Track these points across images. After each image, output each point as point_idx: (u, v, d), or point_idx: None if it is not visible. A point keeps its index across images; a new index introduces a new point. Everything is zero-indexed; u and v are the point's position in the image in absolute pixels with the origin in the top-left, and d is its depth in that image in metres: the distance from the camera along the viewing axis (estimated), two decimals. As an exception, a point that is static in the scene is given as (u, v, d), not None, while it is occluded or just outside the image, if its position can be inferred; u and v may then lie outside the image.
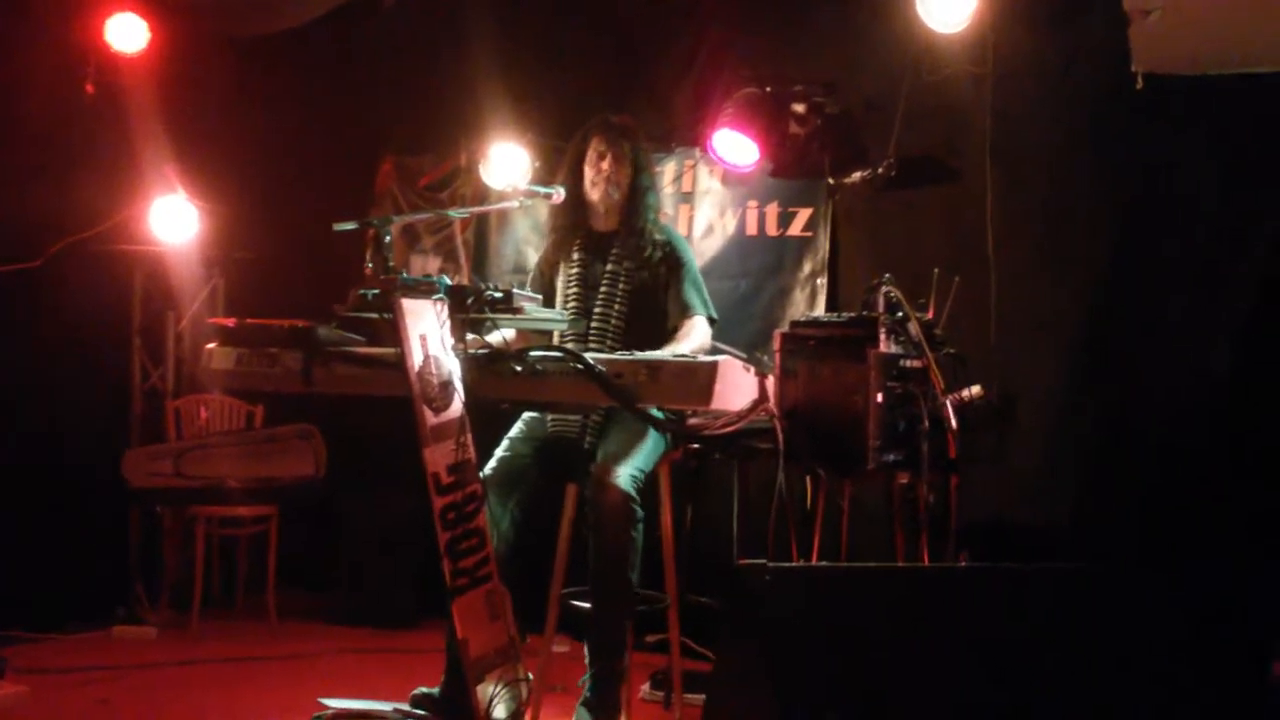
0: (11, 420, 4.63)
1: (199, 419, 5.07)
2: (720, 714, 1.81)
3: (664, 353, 3.19)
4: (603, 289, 3.52)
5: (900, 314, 3.09)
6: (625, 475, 3.22)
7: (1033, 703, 1.71)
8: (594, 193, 3.56)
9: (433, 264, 5.27)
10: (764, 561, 1.77)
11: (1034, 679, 1.69)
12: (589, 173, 3.56)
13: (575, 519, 3.54)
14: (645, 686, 4.07)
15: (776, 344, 3.07)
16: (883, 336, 2.99)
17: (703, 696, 3.99)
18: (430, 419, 2.89)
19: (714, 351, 3.37)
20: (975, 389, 3.34)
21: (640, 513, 3.25)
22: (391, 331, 2.93)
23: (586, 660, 3.28)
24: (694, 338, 3.46)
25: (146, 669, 4.22)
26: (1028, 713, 1.68)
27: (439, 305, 2.89)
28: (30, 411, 4.70)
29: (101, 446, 4.72)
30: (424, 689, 3.44)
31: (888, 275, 3.06)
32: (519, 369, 2.91)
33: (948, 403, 3.08)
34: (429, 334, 2.88)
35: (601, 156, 3.53)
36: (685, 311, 3.52)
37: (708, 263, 4.68)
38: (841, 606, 1.80)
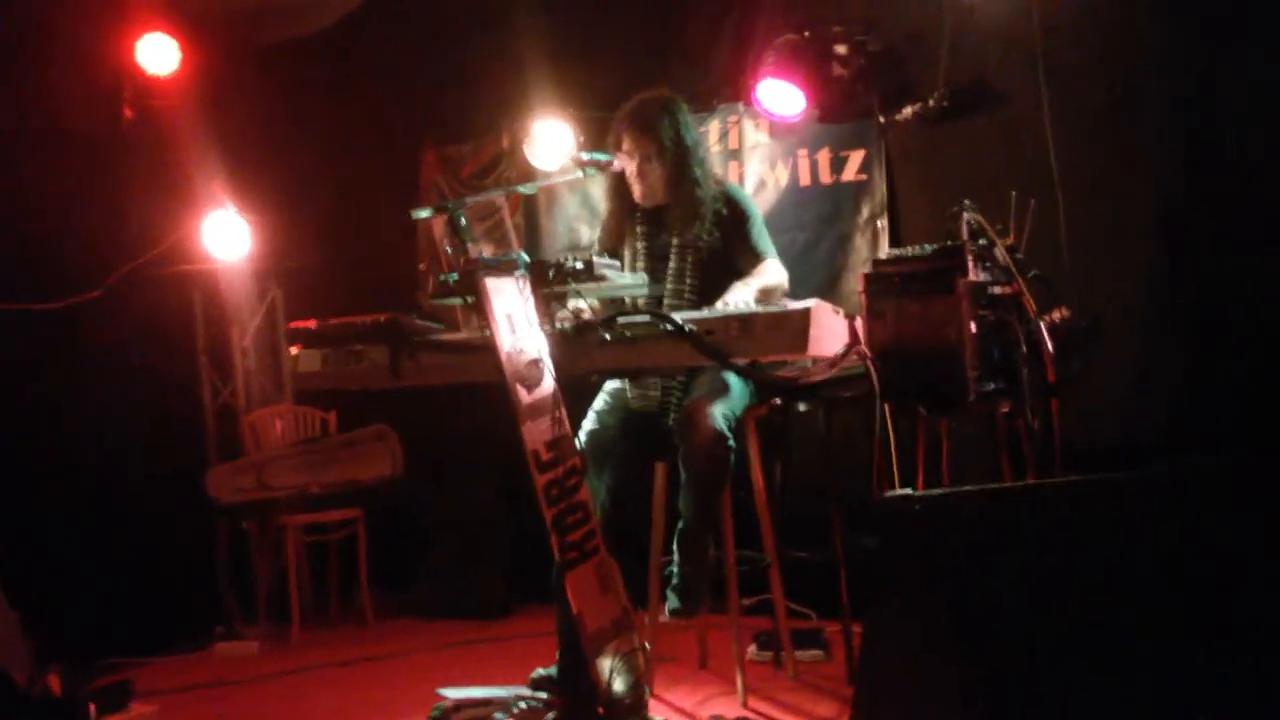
0: (90, 451, 4.67)
1: (274, 431, 5.09)
2: (886, 657, 1.77)
3: (743, 295, 3.18)
4: (672, 262, 3.51)
5: (983, 240, 3.03)
6: (717, 414, 3.22)
7: (1205, 608, 1.67)
8: (635, 189, 3.55)
9: (485, 251, 5.24)
10: (909, 491, 1.73)
11: (1206, 582, 1.65)
12: (625, 169, 3.54)
13: (666, 496, 3.55)
14: (752, 648, 4.06)
15: (861, 285, 3.02)
16: (970, 265, 2.93)
17: (811, 653, 4.04)
18: (524, 397, 2.87)
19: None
20: (1063, 310, 3.28)
21: (733, 445, 3.26)
22: (473, 315, 2.91)
23: (675, 560, 3.39)
24: (766, 275, 3.45)
25: (257, 681, 4.25)
26: (1209, 620, 1.63)
27: (521, 282, 2.87)
28: (108, 440, 4.74)
29: (180, 468, 4.76)
30: (541, 670, 3.44)
31: (967, 201, 3.00)
32: (608, 337, 2.88)
33: (1042, 326, 3.02)
34: (514, 312, 2.86)
35: (630, 157, 3.52)
36: (756, 259, 3.51)
37: (763, 217, 4.62)
38: (998, 530, 1.76)
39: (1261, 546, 1.65)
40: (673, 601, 3.37)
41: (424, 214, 2.92)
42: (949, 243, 2.99)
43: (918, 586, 1.73)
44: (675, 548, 3.40)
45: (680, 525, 3.38)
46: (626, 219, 3.65)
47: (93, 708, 3.16)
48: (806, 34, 4.40)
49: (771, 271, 3.47)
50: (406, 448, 4.12)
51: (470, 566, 5.04)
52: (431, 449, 4.80)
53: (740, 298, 3.21)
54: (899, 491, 1.78)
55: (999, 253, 3.02)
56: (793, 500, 4.20)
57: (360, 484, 4.46)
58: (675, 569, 3.38)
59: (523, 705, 3.19)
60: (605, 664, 2.99)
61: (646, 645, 3.17)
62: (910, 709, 1.78)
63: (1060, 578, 1.73)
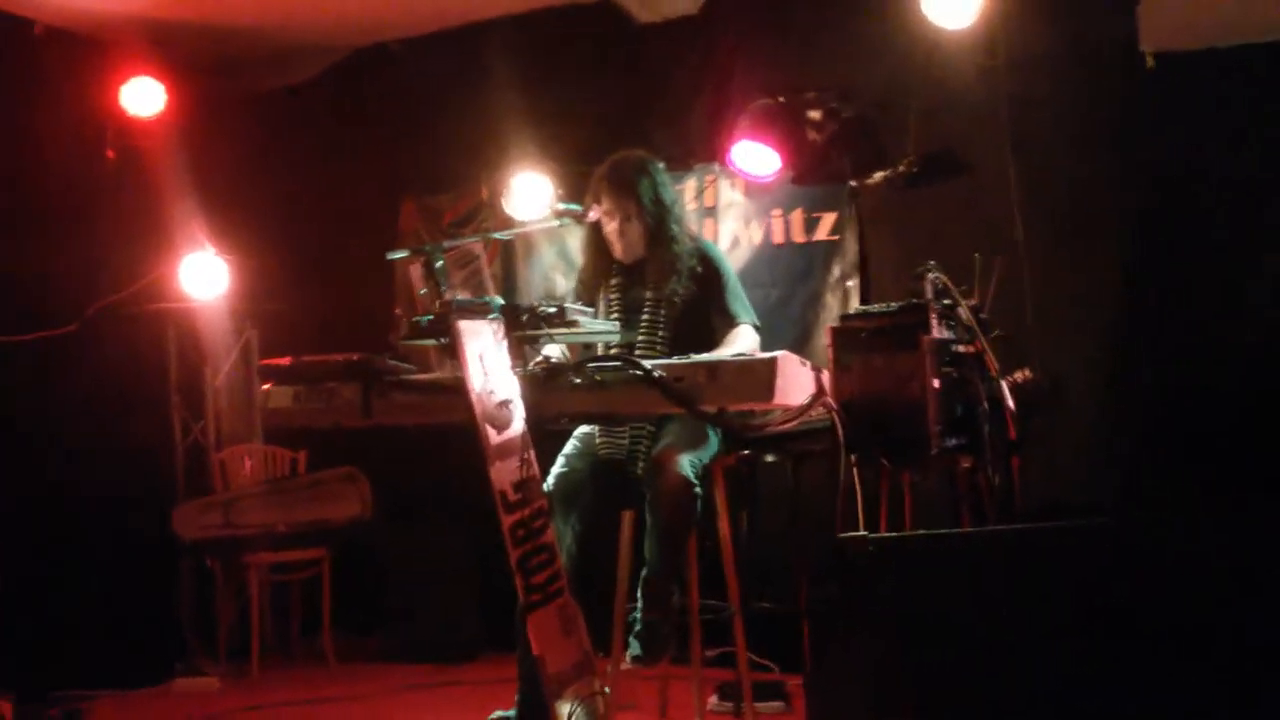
0: (59, 484, 4.66)
1: (244, 469, 5.09)
2: (831, 697, 1.80)
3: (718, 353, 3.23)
4: (645, 316, 3.56)
5: (948, 300, 3.11)
6: (685, 461, 3.26)
7: (1150, 660, 1.71)
8: (615, 246, 3.61)
9: (460, 295, 5.31)
10: (865, 533, 1.77)
11: (1153, 630, 1.69)
12: (604, 227, 3.61)
13: (632, 543, 3.58)
14: (713, 698, 4.06)
15: (828, 339, 3.08)
16: (934, 322, 3.00)
17: (772, 705, 4.05)
18: (494, 438, 2.90)
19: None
20: (1026, 371, 3.36)
21: (700, 493, 3.30)
22: (446, 357, 2.95)
23: (639, 607, 3.40)
24: (738, 343, 3.49)
25: (215, 718, 4.21)
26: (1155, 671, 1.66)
27: (495, 324, 2.91)
28: (76, 474, 4.73)
29: (147, 504, 4.75)
30: (500, 712, 3.44)
31: (932, 261, 3.08)
32: (578, 381, 2.93)
33: (1004, 385, 3.09)
34: (486, 353, 2.90)
35: (610, 216, 3.58)
36: (730, 322, 3.56)
37: (737, 274, 4.70)
38: (949, 574, 1.81)
39: (1211, 596, 1.70)
40: (635, 648, 3.38)
41: (400, 255, 2.97)
42: (914, 301, 3.06)
43: (871, 626, 1.77)
44: (640, 594, 3.41)
45: (645, 572, 3.40)
46: (602, 271, 3.71)
47: (46, 738, 3.13)
48: (781, 99, 4.53)
49: (744, 339, 3.51)
50: (375, 488, 4.15)
51: (437, 610, 5.02)
52: (400, 490, 4.82)
53: None
54: (856, 533, 1.82)
55: (963, 312, 3.09)
56: (758, 551, 4.24)
57: (328, 524, 4.47)
58: (639, 616, 3.40)
59: (481, 748, 3.19)
60: (565, 708, 2.98)
61: (607, 690, 3.17)
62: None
63: (1012, 621, 1.78)
